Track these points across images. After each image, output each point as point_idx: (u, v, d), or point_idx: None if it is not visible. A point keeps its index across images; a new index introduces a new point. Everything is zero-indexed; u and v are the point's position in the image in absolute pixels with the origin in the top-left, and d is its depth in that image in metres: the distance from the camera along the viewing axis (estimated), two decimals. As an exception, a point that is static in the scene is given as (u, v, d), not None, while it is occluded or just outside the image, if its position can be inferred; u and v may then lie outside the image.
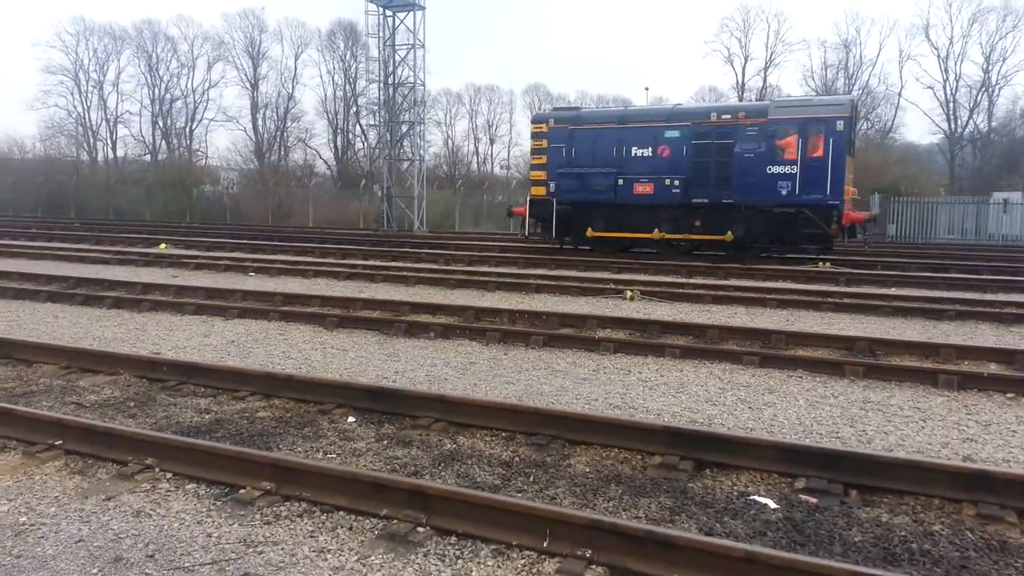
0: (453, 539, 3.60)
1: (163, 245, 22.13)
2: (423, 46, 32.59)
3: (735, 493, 4.25)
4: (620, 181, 19.75)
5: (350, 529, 3.72)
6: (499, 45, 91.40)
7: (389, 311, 10.70)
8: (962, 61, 47.13)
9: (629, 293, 12.51)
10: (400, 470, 4.56)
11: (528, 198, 21.30)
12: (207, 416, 5.65)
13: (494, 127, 65.91)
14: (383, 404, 5.78)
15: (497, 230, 35.48)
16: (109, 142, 60.91)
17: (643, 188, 19.52)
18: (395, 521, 3.71)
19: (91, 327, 9.36)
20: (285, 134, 58.44)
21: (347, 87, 58.80)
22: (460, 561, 3.41)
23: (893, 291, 13.64)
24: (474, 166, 63.34)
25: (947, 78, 47.58)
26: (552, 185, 20.63)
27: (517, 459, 4.83)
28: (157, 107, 59.28)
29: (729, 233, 18.70)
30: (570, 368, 7.53)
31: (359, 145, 58.37)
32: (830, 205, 17.69)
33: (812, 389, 6.75)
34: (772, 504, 4.06)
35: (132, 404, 5.93)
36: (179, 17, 69.91)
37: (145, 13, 77.78)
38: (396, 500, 3.81)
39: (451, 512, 3.69)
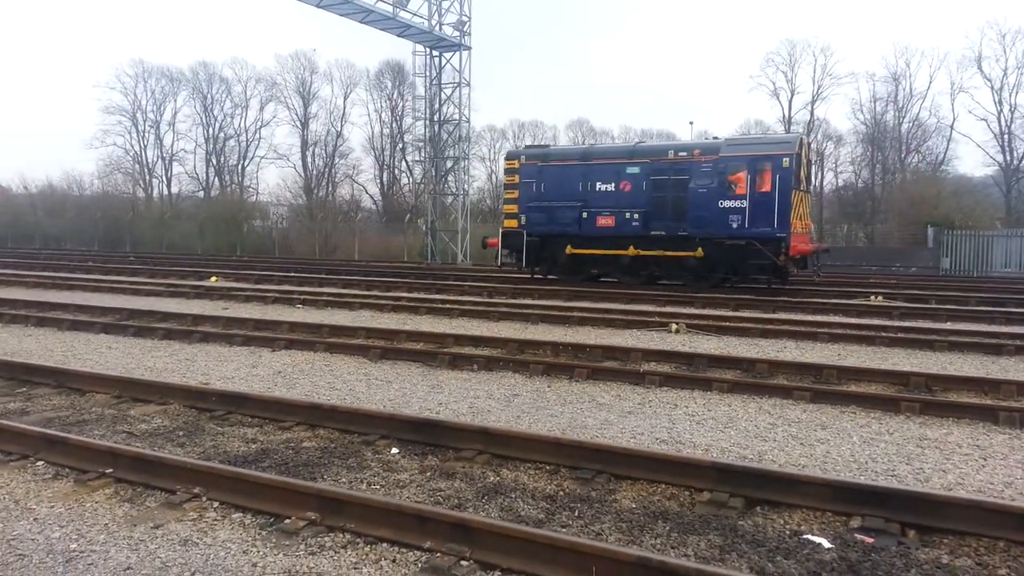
0: (497, 574, 3.55)
1: (214, 278, 22.61)
2: (468, 84, 33.16)
3: (787, 532, 4.12)
4: (584, 214, 20.88)
5: (393, 561, 3.69)
6: (544, 82, 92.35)
7: (433, 343, 10.73)
8: (1017, 92, 46.14)
9: (675, 326, 12.37)
10: (444, 502, 4.53)
11: (501, 230, 22.51)
12: (254, 446, 5.71)
13: (538, 162, 66.26)
14: (426, 436, 5.77)
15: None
16: (164, 179, 62.86)
17: (605, 221, 20.62)
18: (438, 554, 3.68)
19: (143, 357, 9.56)
20: (333, 170, 59.63)
21: (393, 124, 59.92)
22: (504, 597, 3.36)
23: (948, 325, 13.23)
24: (517, 200, 63.55)
25: (1001, 109, 46.59)
26: (523, 218, 21.86)
27: (562, 493, 4.76)
28: (211, 145, 61.11)
29: (699, 249, 19.39)
30: (615, 401, 7.44)
31: (404, 180, 59.27)
32: (777, 237, 18.44)
33: (866, 425, 6.55)
34: (826, 543, 3.92)
35: (181, 433, 6.02)
36: (233, 59, 72.37)
37: (201, 56, 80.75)
38: (439, 533, 3.78)
39: (495, 546, 3.64)
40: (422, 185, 44.76)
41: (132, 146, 61.41)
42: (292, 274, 24.35)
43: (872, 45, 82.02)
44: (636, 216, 20.16)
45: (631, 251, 20.20)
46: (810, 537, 4.00)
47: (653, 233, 19.98)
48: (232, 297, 17.21)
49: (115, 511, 4.31)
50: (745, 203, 18.80)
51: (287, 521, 4.06)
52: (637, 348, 9.81)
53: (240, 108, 60.83)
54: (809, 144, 20.83)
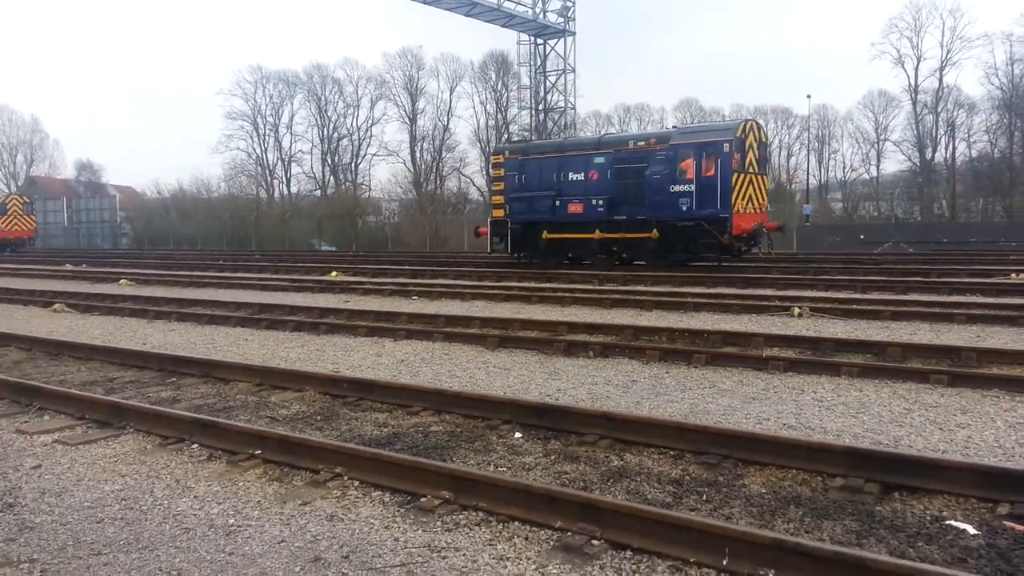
0: (628, 553, 3.59)
1: (334, 273, 23.58)
2: (573, 70, 33.16)
3: (928, 517, 3.96)
4: (558, 202, 22.84)
5: (526, 539, 3.81)
6: (649, 63, 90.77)
7: (547, 331, 10.83)
8: None
9: (797, 310, 11.98)
10: (569, 485, 4.60)
11: (489, 220, 24.85)
12: (385, 430, 5.97)
13: (644, 146, 65.33)
14: (548, 421, 5.86)
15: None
16: (284, 179, 65.97)
17: (575, 207, 22.55)
18: (569, 533, 3.76)
19: (277, 349, 10.13)
20: (441, 164, 60.89)
21: (498, 115, 60.42)
22: (637, 575, 3.40)
23: (1103, 303, 12.20)
24: (624, 186, 62.96)
25: None
26: (507, 208, 23.99)
27: (688, 477, 4.75)
28: (326, 145, 63.63)
29: (655, 231, 20.87)
30: (737, 387, 7.31)
31: (511, 171, 59.59)
32: (721, 218, 19.83)
33: (1011, 409, 6.17)
34: (971, 530, 3.75)
35: (319, 418, 6.37)
36: (345, 60, 74.93)
37: (315, 58, 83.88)
38: (569, 513, 3.86)
39: (625, 526, 3.69)
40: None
41: (254, 149, 64.82)
42: (406, 267, 25.09)
43: (1007, 3, 76.08)
44: (601, 202, 21.90)
45: (597, 235, 21.92)
46: (953, 523, 3.84)
47: (616, 217, 21.68)
48: (352, 290, 17.92)
49: (265, 489, 4.64)
50: (693, 187, 20.22)
51: (423, 499, 4.25)
52: (758, 333, 9.59)
53: (352, 108, 63.06)
54: (760, 127, 21.71)
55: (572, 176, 22.63)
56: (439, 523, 4.02)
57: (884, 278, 16.87)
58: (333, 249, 33.25)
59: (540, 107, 33.95)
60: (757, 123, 21.88)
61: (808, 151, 57.90)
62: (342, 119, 63.55)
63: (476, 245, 39.17)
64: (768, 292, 15.17)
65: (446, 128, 60.93)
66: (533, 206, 23.35)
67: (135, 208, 68.74)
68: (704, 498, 4.38)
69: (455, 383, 7.71)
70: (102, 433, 5.89)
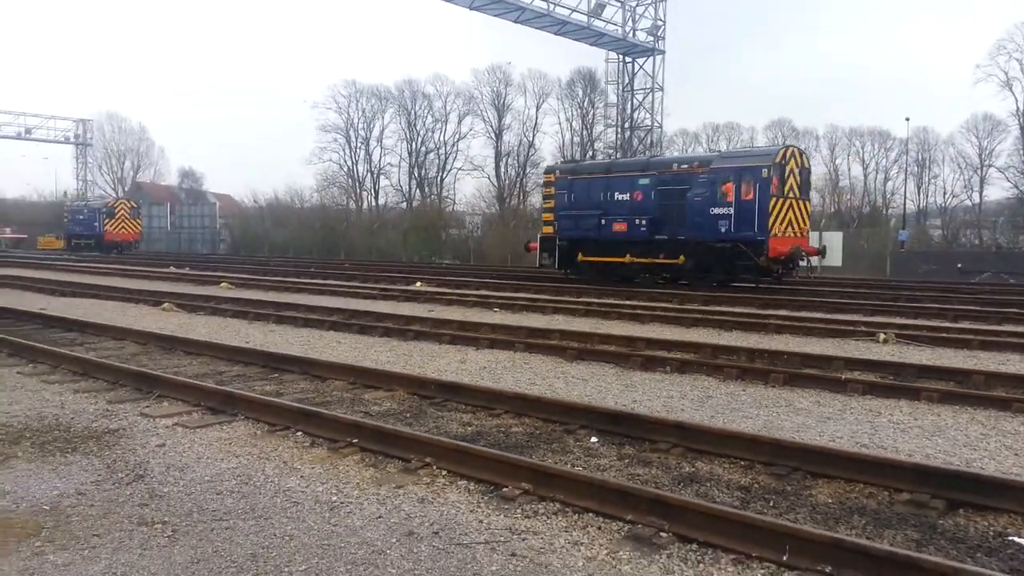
0: (694, 546, 3.87)
1: (419, 283, 24.34)
2: (661, 89, 33.19)
3: (991, 533, 4.09)
4: (603, 221, 23.43)
5: (599, 528, 4.13)
6: (740, 82, 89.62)
7: (625, 346, 11.07)
8: None
9: (883, 336, 11.85)
10: (642, 486, 4.89)
11: (539, 236, 25.78)
12: (469, 428, 6.39)
13: (732, 166, 64.52)
14: (623, 428, 6.16)
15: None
16: (372, 191, 68.04)
17: (619, 226, 23.08)
18: (639, 526, 4.06)
19: (367, 352, 10.73)
20: (525, 180, 61.65)
21: (584, 132, 60.94)
22: (701, 565, 3.68)
23: None
24: (710, 206, 62.28)
25: None
26: (556, 225, 24.84)
27: (756, 485, 4.97)
28: (413, 159, 65.38)
29: (681, 257, 21.60)
30: (813, 407, 7.42)
31: (594, 188, 59.89)
32: (758, 241, 20.20)
33: (1096, 441, 6.11)
34: (1035, 547, 3.87)
35: (408, 415, 6.84)
36: (435, 76, 76.74)
37: (406, 73, 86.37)
38: (640, 507, 4.16)
39: (692, 522, 3.97)
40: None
41: (345, 161, 67.11)
42: (488, 280, 25.66)
43: None
44: (644, 222, 22.50)
45: (627, 259, 22.83)
46: (1017, 539, 3.96)
47: (657, 237, 22.27)
48: (436, 301, 18.54)
49: (363, 473, 5.11)
50: (732, 210, 20.65)
51: (504, 489, 4.63)
52: (839, 356, 9.60)
53: (440, 123, 64.65)
54: (802, 154, 21.99)
55: (618, 196, 23.35)
56: (519, 510, 4.39)
57: (978, 308, 16.39)
58: (458, 262, 33.90)
59: (626, 125, 34.14)
60: (799, 149, 22.21)
61: (906, 175, 56.07)
62: (430, 133, 65.31)
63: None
64: (855, 317, 14.97)
65: (531, 144, 61.85)
66: (580, 224, 24.18)
67: (233, 215, 72.16)
68: (771, 504, 4.60)
69: (534, 390, 8.07)
70: (216, 419, 6.52)
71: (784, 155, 20.87)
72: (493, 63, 70.44)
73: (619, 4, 31.81)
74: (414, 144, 65.52)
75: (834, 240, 34.28)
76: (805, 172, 22.00)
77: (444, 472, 5.02)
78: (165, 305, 16.39)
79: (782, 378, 8.47)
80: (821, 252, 22.64)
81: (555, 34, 31.13)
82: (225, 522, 4.25)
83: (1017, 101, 49.76)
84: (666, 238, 22.11)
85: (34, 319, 13.92)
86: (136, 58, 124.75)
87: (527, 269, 33.96)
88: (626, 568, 3.67)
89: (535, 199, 60.42)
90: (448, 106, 64.05)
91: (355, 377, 8.28)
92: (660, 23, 32.23)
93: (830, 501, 4.67)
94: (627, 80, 33.82)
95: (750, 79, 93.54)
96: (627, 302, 18.40)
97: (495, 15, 29.42)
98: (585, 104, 60.88)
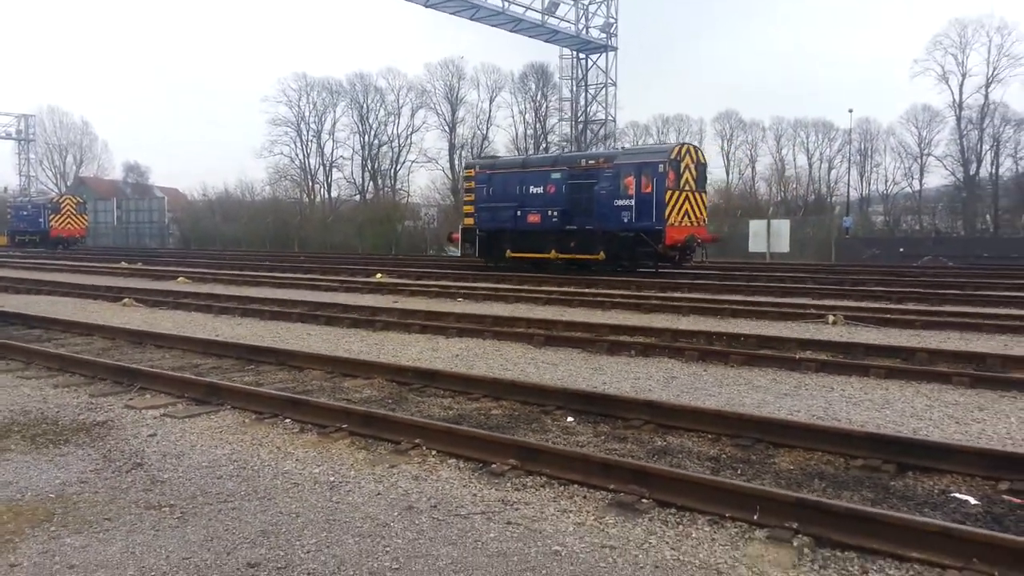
0: (673, 510, 4.23)
1: (379, 275, 24.42)
2: (614, 84, 33.71)
3: (936, 491, 4.55)
4: (519, 212, 25.22)
5: (584, 498, 4.47)
6: (688, 75, 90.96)
7: (589, 332, 11.45)
8: None
9: (832, 318, 12.46)
10: (623, 458, 5.24)
11: (461, 227, 27.60)
12: (450, 412, 6.67)
13: (682, 156, 65.61)
14: (597, 407, 6.51)
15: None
16: (325, 184, 67.35)
17: (533, 218, 24.95)
18: (622, 494, 4.41)
19: (339, 343, 10.90)
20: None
21: (537, 125, 61.20)
22: (680, 526, 4.05)
23: None
24: (662, 195, 63.28)
25: None
26: (476, 217, 26.48)
27: (724, 456, 5.37)
28: (366, 152, 64.89)
29: (602, 253, 23.22)
30: (771, 384, 7.88)
31: (548, 179, 60.33)
32: (656, 230, 22.15)
33: (1027, 409, 6.67)
34: (973, 500, 4.32)
35: (390, 401, 7.09)
36: (387, 69, 76.26)
37: (358, 67, 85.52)
38: (622, 477, 4.51)
39: (670, 489, 4.33)
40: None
41: (297, 155, 66.24)
42: (448, 270, 25.86)
43: (1056, 17, 74.94)
44: (556, 213, 24.30)
45: (552, 242, 24.44)
46: (957, 495, 4.41)
47: (568, 227, 24.06)
48: (399, 292, 18.69)
49: (356, 455, 5.36)
50: (633, 202, 22.61)
51: (493, 465, 4.94)
52: (793, 338, 10.13)
53: (393, 116, 64.23)
54: (697, 150, 24.14)
55: (532, 189, 25.13)
56: (509, 484, 4.70)
57: (920, 290, 17.22)
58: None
59: (580, 119, 34.57)
60: (694, 147, 24.31)
61: (850, 164, 57.72)
62: (383, 127, 64.86)
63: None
64: (805, 301, 15.62)
65: (485, 137, 61.90)
66: (498, 215, 25.90)
67: (181, 209, 70.81)
68: (739, 472, 5.00)
69: (508, 375, 8.37)
70: (202, 409, 6.68)
71: (679, 152, 22.82)
72: (446, 57, 70.38)
73: (572, 2, 32.18)
74: (367, 137, 65.04)
75: (782, 227, 35.35)
76: (701, 167, 23.90)
77: (434, 452, 5.30)
78: (125, 300, 16.26)
79: (740, 359, 8.93)
80: (716, 239, 24.71)
81: (510, 31, 31.39)
82: (231, 503, 4.47)
83: (953, 94, 51.61)
84: (576, 228, 23.97)
85: (-8, 317, 13.72)
86: (77, 51, 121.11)
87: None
88: (613, 531, 4.00)
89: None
90: (401, 99, 63.70)
91: (332, 367, 8.48)
92: (612, 20, 32.74)
93: (792, 468, 5.08)
94: (581, 75, 34.27)
95: (699, 73, 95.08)
96: (588, 290, 18.82)
97: (451, 12, 29.54)
98: (538, 98, 61.08)
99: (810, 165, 63.88)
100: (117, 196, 73.61)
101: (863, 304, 14.93)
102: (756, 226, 35.90)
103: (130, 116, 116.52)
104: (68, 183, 77.22)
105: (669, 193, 22.14)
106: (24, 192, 58.98)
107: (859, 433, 5.33)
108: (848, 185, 55.80)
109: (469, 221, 27.10)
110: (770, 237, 34.65)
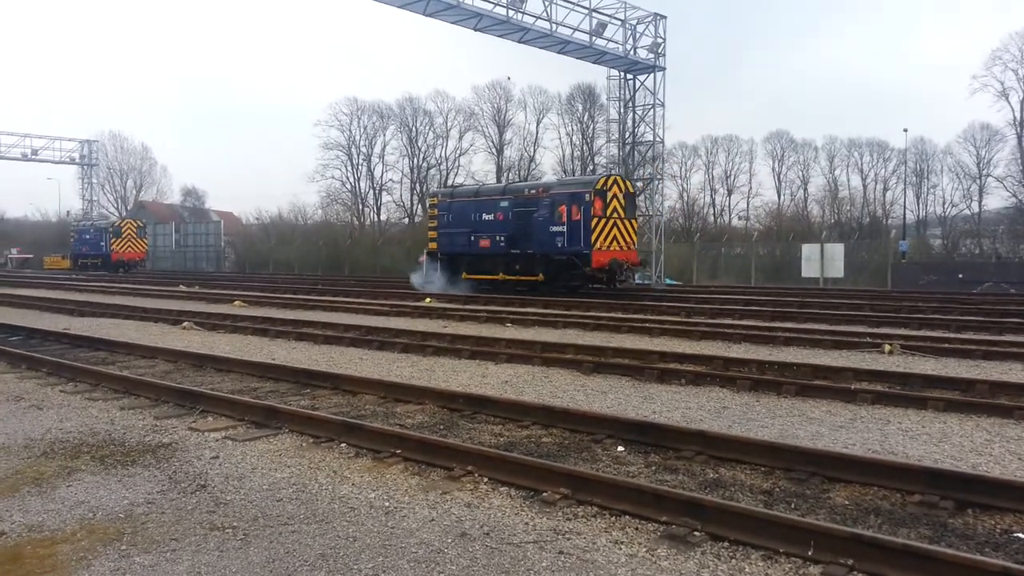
0: (726, 544, 4.23)
1: (428, 300, 24.72)
2: (662, 105, 33.62)
3: (998, 530, 4.45)
4: (472, 238, 27.54)
5: (636, 529, 4.49)
6: (738, 95, 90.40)
7: (639, 359, 11.42)
8: None
9: (888, 347, 12.22)
10: (675, 489, 5.25)
11: (426, 251, 30.11)
12: (501, 439, 6.75)
13: (732, 178, 65.25)
14: (648, 437, 6.52)
15: (737, 283, 35.10)
16: (375, 208, 68.56)
17: (484, 243, 27.25)
18: (674, 526, 4.42)
19: (390, 367, 11.09)
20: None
21: (584, 147, 61.57)
22: (733, 560, 4.04)
23: None
24: (710, 218, 62.96)
25: None
26: (438, 242, 28.98)
27: (777, 489, 5.33)
28: (415, 175, 65.95)
29: (541, 275, 25.65)
30: (825, 416, 7.78)
31: (596, 202, 60.46)
32: (584, 253, 24.27)
33: (1095, 446, 6.46)
34: (1038, 541, 4.22)
35: (441, 427, 7.21)
36: (436, 93, 77.42)
37: (407, 91, 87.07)
38: (674, 509, 4.52)
39: (723, 522, 4.33)
40: (615, 207, 45.67)
41: (347, 178, 67.68)
42: (496, 295, 26.03)
43: (1123, 34, 72.46)
44: (503, 239, 26.55)
45: (501, 266, 26.83)
46: (1020, 535, 4.32)
47: (512, 251, 26.32)
48: (448, 316, 18.90)
49: (409, 481, 5.47)
50: (565, 228, 24.73)
51: (545, 494, 4.99)
52: (847, 368, 9.97)
53: (441, 139, 65.33)
54: (624, 181, 26.60)
55: (484, 216, 27.36)
56: (561, 513, 4.75)
57: (980, 318, 16.78)
58: (679, 283, 33.54)
59: (628, 140, 34.60)
60: (621, 178, 26.85)
61: (905, 185, 56.61)
62: (431, 149, 65.98)
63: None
64: (860, 329, 15.34)
65: (532, 159, 62.51)
66: (455, 241, 28.26)
67: (236, 233, 72.63)
68: (792, 506, 4.96)
69: (558, 402, 8.42)
70: (261, 432, 6.88)
71: (606, 183, 25.12)
72: (494, 79, 71.17)
73: (620, 23, 32.31)
74: (415, 160, 66.21)
75: (835, 252, 34.77)
76: (629, 196, 26.05)
77: (486, 479, 5.39)
78: (185, 324, 16.77)
79: (794, 389, 8.83)
80: (643, 263, 27.41)
81: (557, 53, 31.62)
82: (290, 526, 4.61)
83: (1014, 111, 50.43)
84: (519, 252, 26.24)
85: (60, 339, 14.30)
86: (138, 79, 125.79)
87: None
88: (665, 563, 4.02)
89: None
90: (449, 122, 64.80)
91: (385, 391, 8.65)
92: (661, 40, 32.71)
93: (847, 503, 5.02)
94: (628, 96, 34.29)
95: (748, 92, 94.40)
96: (635, 316, 18.78)
97: (498, 35, 29.92)
98: (585, 119, 61.66)
99: (864, 186, 62.88)
100: (175, 220, 75.89)
101: (920, 333, 14.62)
102: (809, 250, 35.37)
103: (188, 141, 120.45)
104: (128, 207, 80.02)
105: (595, 220, 24.33)
106: (87, 216, 61.17)
107: (916, 468, 5.25)
108: (904, 207, 54.76)
109: (433, 246, 29.53)
110: (823, 262, 34.12)
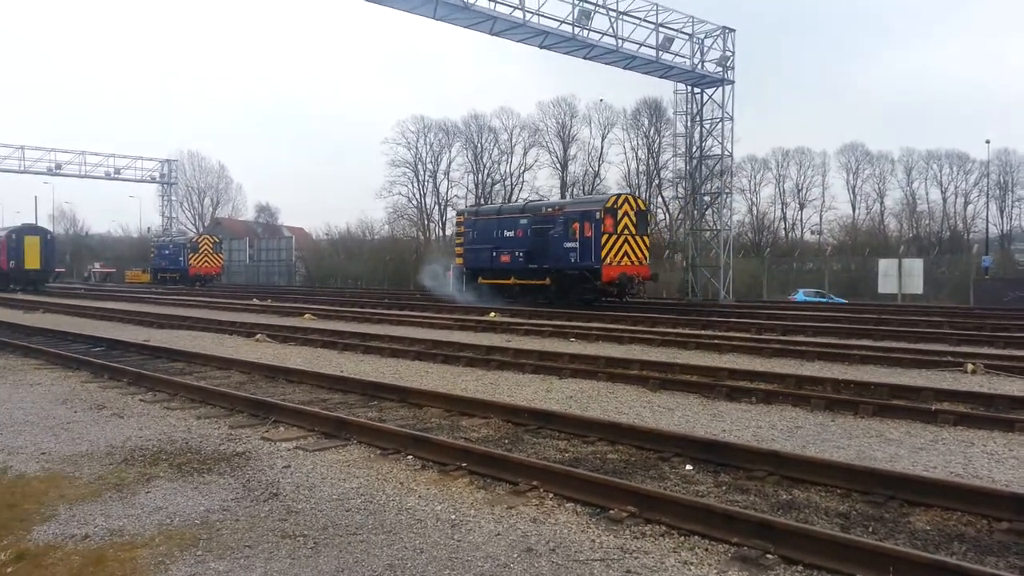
0: (800, 568, 4.10)
1: (492, 314, 24.82)
2: (731, 118, 33.16)
3: (1098, 562, 4.19)
4: (495, 253, 29.33)
5: (706, 550, 4.39)
6: (811, 106, 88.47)
7: (707, 376, 11.22)
8: None
9: (971, 366, 11.70)
10: (746, 510, 5.11)
11: (452, 266, 32.69)
12: (566, 454, 6.71)
13: (804, 191, 63.75)
14: (717, 456, 6.37)
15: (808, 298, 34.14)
16: (440, 223, 69.37)
17: (505, 258, 29.01)
18: (745, 548, 4.30)
19: (455, 381, 11.16)
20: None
21: (650, 161, 61.10)
22: (809, 585, 3.91)
23: None
24: (781, 232, 61.59)
25: None
26: (464, 258, 30.91)
27: (854, 512, 5.14)
28: (480, 190, 66.49)
29: (548, 279, 27.30)
30: (904, 438, 7.48)
31: (660, 216, 60.02)
32: (595, 268, 25.67)
33: None
34: None
35: (506, 441, 7.21)
36: (501, 109, 78.24)
37: (472, 108, 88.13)
38: (745, 530, 4.40)
39: (797, 545, 4.19)
40: (680, 220, 45.15)
41: (414, 195, 68.74)
42: (559, 309, 25.97)
43: None
44: (521, 255, 28.25)
45: (520, 280, 28.52)
46: (1123, 568, 4.05)
47: (530, 266, 27.96)
48: (512, 331, 18.93)
49: (475, 495, 5.48)
50: (577, 244, 26.17)
51: (611, 511, 4.93)
52: (928, 387, 9.58)
53: (506, 155, 65.83)
54: (634, 198, 27.60)
55: (506, 233, 29.11)
56: (628, 531, 4.68)
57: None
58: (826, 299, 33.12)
59: (695, 154, 34.20)
60: (632, 196, 28.04)
61: (988, 199, 54.34)
62: (496, 165, 66.53)
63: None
64: (940, 347, 14.74)
65: (596, 174, 62.34)
66: (479, 256, 30.09)
67: (306, 248, 74.51)
68: (870, 530, 4.78)
69: (623, 419, 8.32)
70: (331, 443, 7.00)
71: (616, 201, 26.44)
72: (559, 95, 71.47)
73: (687, 38, 32.05)
74: (480, 176, 66.80)
75: (914, 267, 33.59)
76: (641, 214, 27.24)
77: (551, 495, 5.35)
78: (258, 336, 17.24)
79: (871, 409, 8.52)
80: (653, 277, 28.27)
81: (623, 68, 31.54)
82: (359, 536, 4.67)
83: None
84: (536, 267, 27.80)
85: (141, 350, 14.87)
86: (216, 101, 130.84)
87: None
88: (736, 586, 3.92)
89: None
90: (514, 138, 65.26)
91: (450, 405, 8.70)
92: (729, 53, 32.30)
93: (928, 528, 4.81)
94: (695, 110, 33.92)
95: (820, 103, 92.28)
96: (703, 332, 18.47)
97: (564, 52, 30.04)
98: (651, 133, 61.23)
99: (944, 200, 60.67)
100: (249, 236, 78.33)
101: (1006, 352, 13.95)
102: (886, 265, 34.27)
103: (261, 159, 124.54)
104: (205, 223, 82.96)
105: (606, 237, 25.69)
106: (166, 232, 63.72)
107: (1004, 493, 4.99)
108: (987, 221, 52.49)
109: (460, 261, 31.48)
110: (901, 277, 32.97)
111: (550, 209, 28.19)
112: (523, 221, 28.59)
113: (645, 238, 27.36)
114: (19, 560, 4.34)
